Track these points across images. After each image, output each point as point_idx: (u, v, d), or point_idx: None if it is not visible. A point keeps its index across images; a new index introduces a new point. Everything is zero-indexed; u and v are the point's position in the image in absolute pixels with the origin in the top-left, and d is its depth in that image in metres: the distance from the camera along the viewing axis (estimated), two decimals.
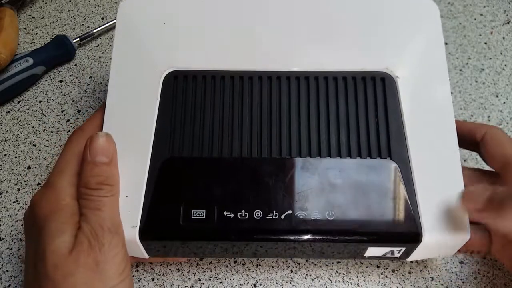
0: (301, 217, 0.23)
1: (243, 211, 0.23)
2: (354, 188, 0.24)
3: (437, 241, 0.23)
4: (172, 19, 0.28)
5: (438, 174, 0.24)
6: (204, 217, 0.23)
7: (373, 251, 0.24)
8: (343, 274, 0.28)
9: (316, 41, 0.28)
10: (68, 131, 0.35)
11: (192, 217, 0.23)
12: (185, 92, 0.26)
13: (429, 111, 0.25)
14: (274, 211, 0.23)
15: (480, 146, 0.26)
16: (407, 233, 0.23)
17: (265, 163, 0.24)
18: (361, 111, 0.26)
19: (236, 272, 0.29)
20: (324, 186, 0.24)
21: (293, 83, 0.26)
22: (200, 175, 0.24)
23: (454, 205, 0.23)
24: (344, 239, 0.23)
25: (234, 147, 0.25)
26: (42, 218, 0.22)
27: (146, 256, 0.25)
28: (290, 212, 0.23)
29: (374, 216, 0.23)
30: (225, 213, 0.23)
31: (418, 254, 0.24)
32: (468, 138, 0.26)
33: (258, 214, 0.23)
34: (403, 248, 0.24)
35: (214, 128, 0.25)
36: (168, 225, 0.23)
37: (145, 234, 0.23)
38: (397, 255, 0.24)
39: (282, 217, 0.23)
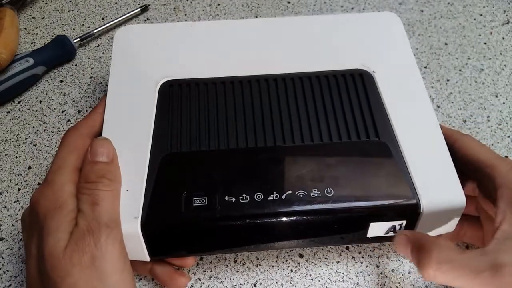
0: (301, 196, 0.24)
1: (244, 195, 0.24)
2: (349, 167, 0.25)
3: (436, 210, 0.24)
4: (164, 41, 0.31)
5: (424, 147, 0.26)
6: (206, 204, 0.23)
7: (375, 230, 0.25)
8: (343, 273, 0.29)
9: (297, 48, 0.31)
10: None
11: (194, 205, 0.23)
12: (180, 97, 0.28)
13: (406, 95, 0.28)
14: (275, 192, 0.24)
15: (452, 152, 0.26)
16: (406, 205, 0.24)
17: (261, 151, 0.26)
18: (345, 102, 0.28)
19: (236, 271, 0.29)
20: (321, 167, 0.25)
21: (280, 83, 0.29)
22: (199, 166, 0.25)
23: (445, 173, 0.25)
24: (345, 215, 0.24)
25: (231, 140, 0.26)
26: (41, 216, 0.22)
27: (147, 258, 0.24)
28: (290, 192, 0.24)
29: (372, 192, 0.24)
30: (226, 198, 0.23)
31: (419, 229, 0.25)
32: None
33: (259, 196, 0.24)
34: (404, 222, 0.24)
35: (210, 126, 0.27)
36: (170, 214, 0.23)
37: (147, 224, 0.23)
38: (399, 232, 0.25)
39: (283, 197, 0.24)
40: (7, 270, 0.29)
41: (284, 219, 0.24)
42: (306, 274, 0.29)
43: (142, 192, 0.24)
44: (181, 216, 0.23)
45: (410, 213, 0.24)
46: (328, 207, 0.24)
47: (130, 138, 0.26)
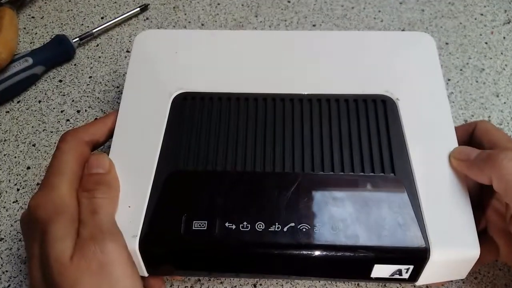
0: (304, 230, 0.23)
1: (245, 223, 0.23)
2: (358, 203, 0.24)
3: (446, 258, 0.23)
4: (184, 49, 0.30)
5: (443, 190, 0.24)
6: (205, 228, 0.23)
7: (379, 271, 0.23)
8: None
9: (318, 66, 0.29)
10: None
11: (194, 228, 0.23)
12: (192, 111, 0.27)
13: (430, 130, 0.26)
14: (277, 223, 0.23)
15: (471, 140, 0.26)
16: (414, 250, 0.23)
17: (268, 177, 0.25)
18: (363, 130, 0.26)
19: None
20: (328, 201, 0.24)
21: (296, 104, 0.27)
22: (203, 188, 0.24)
23: (461, 220, 0.23)
24: (348, 254, 0.23)
25: (238, 163, 0.25)
26: (44, 221, 0.22)
27: (146, 274, 0.24)
28: (293, 224, 0.23)
29: (380, 232, 0.23)
30: (226, 224, 0.23)
31: (427, 274, 0.24)
32: (464, 139, 0.27)
33: (260, 226, 0.23)
34: (411, 267, 0.23)
35: (219, 145, 0.26)
36: (169, 235, 0.23)
37: (145, 244, 0.23)
38: (405, 275, 0.24)
39: (285, 229, 0.23)
40: (6, 271, 0.29)
41: (283, 252, 0.23)
42: None
43: (143, 209, 0.24)
44: (179, 239, 0.23)
45: (418, 258, 0.23)
46: (330, 244, 0.23)
47: (138, 151, 0.26)
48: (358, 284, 0.28)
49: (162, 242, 0.23)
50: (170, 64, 0.29)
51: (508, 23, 0.41)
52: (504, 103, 0.36)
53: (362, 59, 0.30)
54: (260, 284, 0.28)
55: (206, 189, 0.24)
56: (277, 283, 0.28)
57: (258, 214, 0.23)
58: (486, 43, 0.40)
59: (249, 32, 0.34)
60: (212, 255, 0.24)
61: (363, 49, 0.30)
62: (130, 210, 0.24)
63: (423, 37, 0.31)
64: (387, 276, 0.24)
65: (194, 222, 0.23)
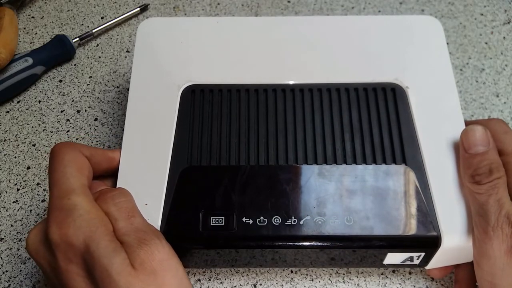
0: (319, 223, 0.23)
1: (262, 217, 0.23)
2: (371, 194, 0.24)
3: (456, 245, 0.23)
4: (189, 38, 0.30)
5: (453, 178, 0.25)
6: (223, 224, 0.23)
7: (392, 258, 0.24)
8: (343, 274, 0.28)
9: (327, 56, 0.29)
10: (68, 131, 0.35)
11: (211, 224, 0.23)
12: (202, 104, 0.27)
13: (439, 118, 0.26)
14: (293, 217, 0.23)
15: None
16: (426, 238, 0.23)
17: (282, 170, 0.25)
18: (373, 120, 0.26)
19: (236, 272, 0.29)
20: (342, 193, 0.24)
21: (306, 94, 0.27)
22: (218, 183, 0.25)
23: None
24: (363, 244, 0.23)
25: (251, 156, 0.25)
26: (82, 243, 0.20)
27: None
28: (308, 218, 0.23)
29: (393, 221, 0.23)
30: (244, 219, 0.23)
31: (437, 260, 0.24)
32: None
33: (277, 220, 0.23)
34: (423, 254, 0.24)
35: (231, 138, 0.26)
36: (188, 232, 0.23)
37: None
38: (416, 261, 0.24)
39: (301, 223, 0.23)
40: (6, 271, 0.29)
41: (300, 244, 0.23)
42: (307, 274, 0.28)
43: (160, 207, 0.24)
44: (198, 235, 0.23)
45: (429, 246, 0.23)
46: (346, 235, 0.23)
47: (150, 149, 0.26)
48: (358, 285, 0.28)
49: (181, 239, 0.23)
50: (176, 55, 0.29)
51: (508, 23, 0.41)
52: (504, 103, 0.36)
53: (370, 45, 0.29)
54: (260, 284, 0.28)
55: (221, 184, 0.24)
56: (277, 283, 0.28)
57: (274, 208, 0.24)
58: (486, 43, 0.40)
59: (254, 18, 0.33)
60: (231, 249, 0.24)
61: (370, 35, 0.30)
62: (147, 208, 0.24)
63: (431, 21, 0.30)
64: (399, 263, 0.25)
65: (211, 218, 0.23)
